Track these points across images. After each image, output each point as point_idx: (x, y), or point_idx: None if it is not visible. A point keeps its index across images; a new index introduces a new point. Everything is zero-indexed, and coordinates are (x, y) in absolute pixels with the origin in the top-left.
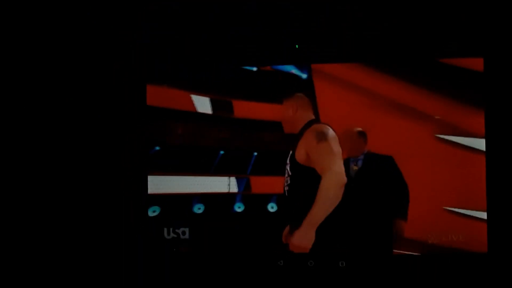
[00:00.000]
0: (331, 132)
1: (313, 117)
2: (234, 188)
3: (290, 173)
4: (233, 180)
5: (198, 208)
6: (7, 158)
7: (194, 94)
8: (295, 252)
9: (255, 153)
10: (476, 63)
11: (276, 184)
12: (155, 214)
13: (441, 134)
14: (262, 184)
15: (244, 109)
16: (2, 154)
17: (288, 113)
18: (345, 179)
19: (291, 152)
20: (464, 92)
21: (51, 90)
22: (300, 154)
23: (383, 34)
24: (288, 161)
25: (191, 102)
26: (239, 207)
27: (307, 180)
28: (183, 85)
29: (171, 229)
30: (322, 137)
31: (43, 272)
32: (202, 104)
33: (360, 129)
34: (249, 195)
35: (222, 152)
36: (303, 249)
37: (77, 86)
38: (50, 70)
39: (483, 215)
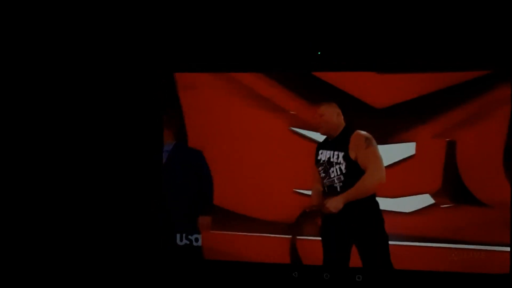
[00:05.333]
0: (373, 139)
1: (344, 123)
2: None
3: (344, 171)
4: None
5: None
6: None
7: None
8: (325, 211)
9: None
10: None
11: None
12: None
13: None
14: None
15: None
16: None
17: (332, 117)
18: (384, 179)
19: (340, 153)
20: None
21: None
22: (352, 155)
23: None
24: (340, 160)
25: None
26: None
27: (359, 173)
28: None
29: (183, 235)
30: (370, 142)
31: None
32: None
33: None
34: None
35: None
36: (332, 210)
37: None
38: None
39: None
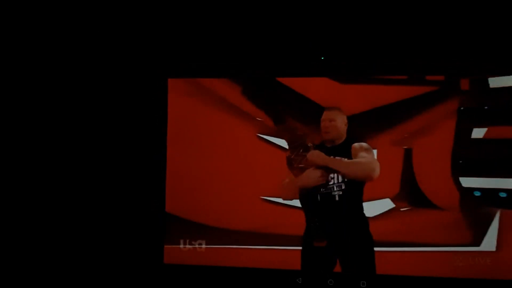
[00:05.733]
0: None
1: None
2: None
3: (346, 179)
4: None
5: None
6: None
7: None
8: (308, 162)
9: None
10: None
11: None
12: None
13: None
14: None
15: None
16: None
17: (342, 125)
18: (376, 175)
19: (343, 159)
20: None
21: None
22: None
23: None
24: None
25: None
26: None
27: (360, 183)
28: None
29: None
30: (369, 148)
31: None
32: None
33: None
34: None
35: None
36: (314, 158)
37: None
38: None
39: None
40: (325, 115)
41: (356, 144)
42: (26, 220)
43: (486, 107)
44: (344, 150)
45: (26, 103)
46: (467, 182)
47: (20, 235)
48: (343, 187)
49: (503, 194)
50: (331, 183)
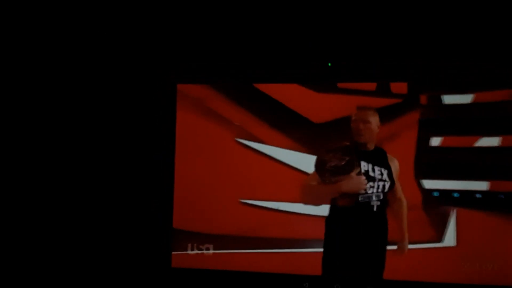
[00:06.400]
0: None
1: None
2: None
3: (386, 190)
4: None
5: None
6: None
7: None
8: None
9: None
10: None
11: None
12: None
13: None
14: None
15: None
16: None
17: (376, 128)
18: None
19: (384, 170)
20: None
21: None
22: (394, 177)
23: None
24: (385, 178)
25: None
26: None
27: (387, 196)
28: None
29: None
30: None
31: None
32: None
33: None
34: None
35: None
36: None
37: None
38: None
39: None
40: (358, 115)
41: (395, 161)
42: (38, 229)
43: (441, 120)
44: (380, 159)
45: (32, 107)
46: (428, 184)
47: (30, 241)
48: (381, 197)
49: (456, 195)
50: (369, 191)
